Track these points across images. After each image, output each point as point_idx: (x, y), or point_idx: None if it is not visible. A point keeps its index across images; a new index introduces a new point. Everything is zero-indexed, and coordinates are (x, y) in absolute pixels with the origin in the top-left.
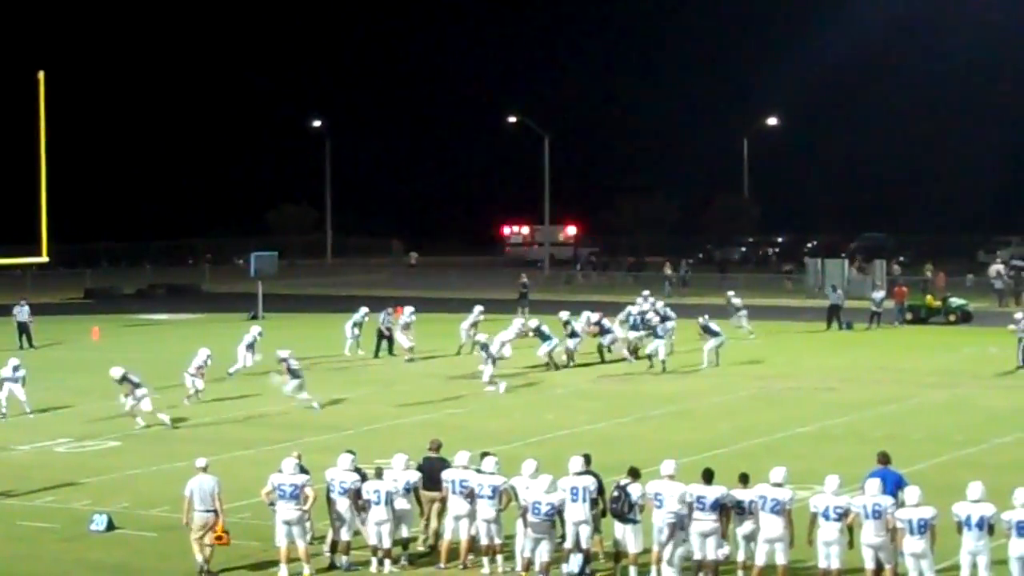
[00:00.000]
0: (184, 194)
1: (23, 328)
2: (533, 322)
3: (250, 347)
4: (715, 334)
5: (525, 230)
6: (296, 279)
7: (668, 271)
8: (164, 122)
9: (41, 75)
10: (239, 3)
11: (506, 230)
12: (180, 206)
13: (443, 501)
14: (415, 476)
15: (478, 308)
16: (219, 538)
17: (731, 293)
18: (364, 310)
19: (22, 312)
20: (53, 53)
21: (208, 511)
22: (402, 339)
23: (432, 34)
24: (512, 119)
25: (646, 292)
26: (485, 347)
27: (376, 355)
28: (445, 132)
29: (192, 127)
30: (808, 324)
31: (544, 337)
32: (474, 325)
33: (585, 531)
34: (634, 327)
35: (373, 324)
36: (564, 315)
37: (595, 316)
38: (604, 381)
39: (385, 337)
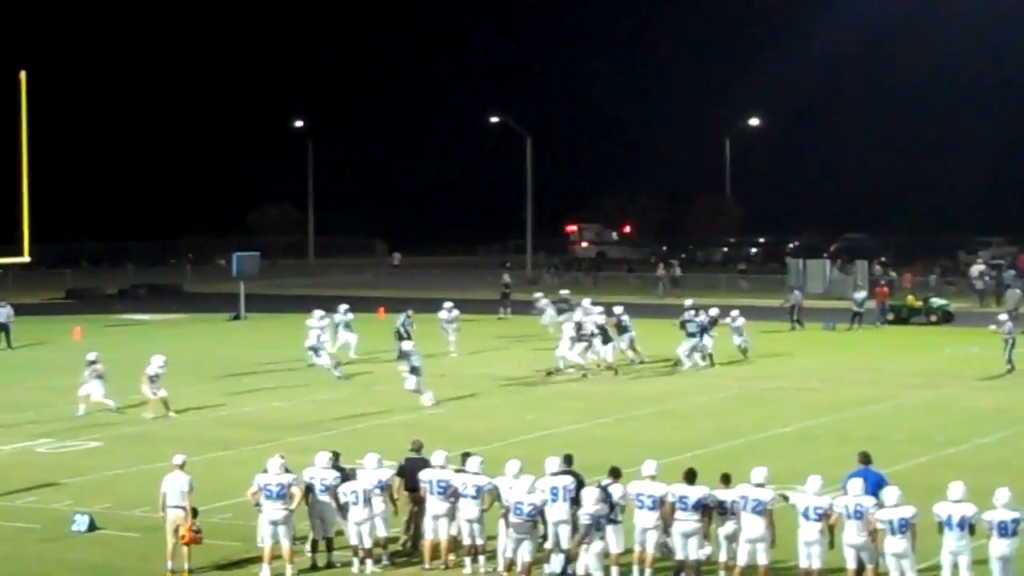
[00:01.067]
0: (166, 194)
1: (3, 328)
2: (598, 320)
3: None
4: (691, 335)
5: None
6: (278, 279)
7: (661, 271)
8: (145, 122)
9: (23, 75)
10: (221, 3)
11: (572, 228)
12: (162, 206)
13: (421, 501)
14: (387, 474)
15: (447, 304)
16: (183, 536)
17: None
18: (343, 307)
19: (2, 312)
20: (35, 53)
21: (179, 507)
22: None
23: (415, 34)
24: (495, 119)
25: (564, 292)
26: (407, 355)
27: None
28: (428, 132)
29: (174, 127)
30: (787, 324)
31: (607, 338)
32: (450, 323)
33: (565, 531)
34: (692, 333)
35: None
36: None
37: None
38: (586, 381)
39: (403, 339)
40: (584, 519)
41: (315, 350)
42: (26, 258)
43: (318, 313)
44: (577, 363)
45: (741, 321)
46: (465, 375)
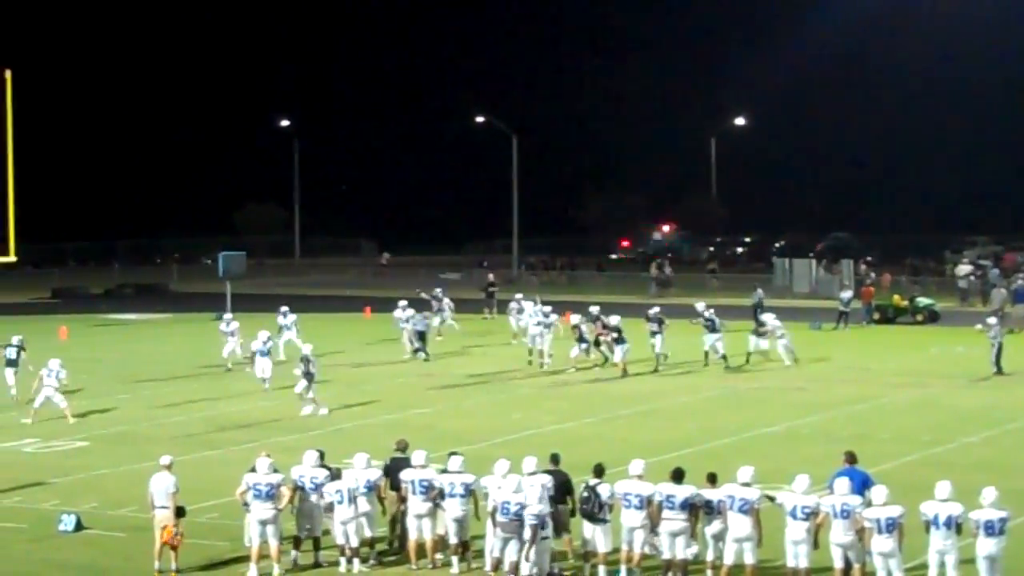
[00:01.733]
0: (152, 193)
1: None
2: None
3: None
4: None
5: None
6: (264, 279)
7: (653, 271)
8: (132, 121)
9: (8, 74)
10: (207, 2)
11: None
12: (148, 205)
13: (404, 501)
14: (376, 475)
15: (401, 303)
16: (164, 537)
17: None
18: (284, 309)
19: None
20: (19, 51)
21: (165, 508)
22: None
23: (401, 32)
24: (480, 118)
25: (519, 295)
26: (306, 360)
27: (422, 355)
28: (415, 132)
29: (160, 126)
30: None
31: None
32: (406, 322)
33: (549, 529)
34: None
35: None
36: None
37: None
38: (571, 381)
39: (417, 337)
40: (529, 519)
41: (260, 354)
42: (12, 257)
43: (227, 316)
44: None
45: (775, 324)
46: (450, 374)
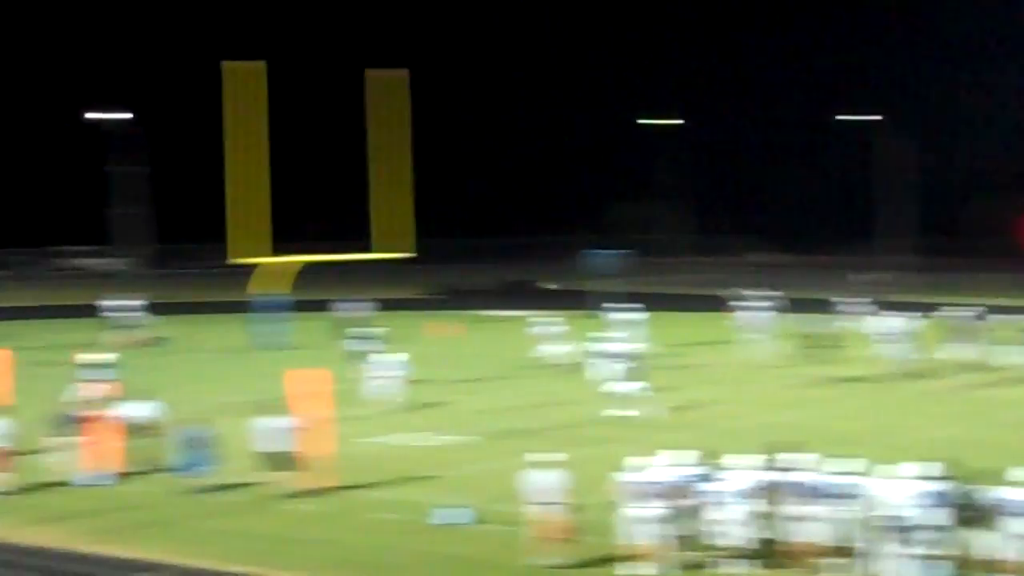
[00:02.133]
0: (527, 193)
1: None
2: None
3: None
4: None
5: None
6: (642, 277)
7: None
8: (516, 122)
9: (404, 74)
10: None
11: None
12: (525, 204)
13: (780, 503)
14: (758, 477)
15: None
16: (550, 532)
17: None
18: (606, 304)
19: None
20: (416, 53)
21: (548, 504)
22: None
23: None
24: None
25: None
26: (631, 358)
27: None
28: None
29: (548, 126)
30: None
31: None
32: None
33: (935, 536)
34: None
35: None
36: None
37: None
38: (956, 385)
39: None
40: (908, 525)
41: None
42: (412, 253)
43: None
44: None
45: None
46: (819, 376)
